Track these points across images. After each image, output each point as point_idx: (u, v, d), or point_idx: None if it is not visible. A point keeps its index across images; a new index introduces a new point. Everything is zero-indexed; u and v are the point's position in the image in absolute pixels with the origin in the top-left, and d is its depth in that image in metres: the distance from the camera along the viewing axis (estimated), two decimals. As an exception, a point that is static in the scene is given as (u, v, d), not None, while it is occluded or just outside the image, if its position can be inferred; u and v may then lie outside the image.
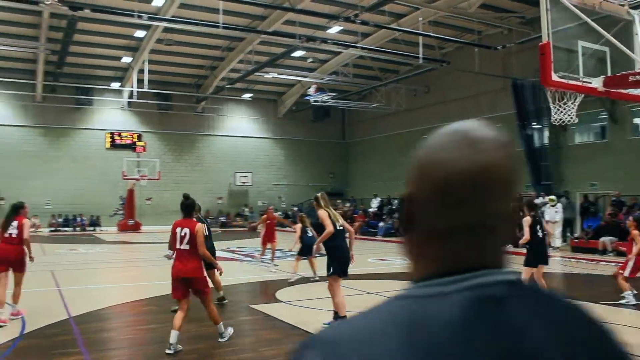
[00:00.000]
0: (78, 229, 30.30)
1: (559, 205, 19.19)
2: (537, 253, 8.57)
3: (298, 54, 27.71)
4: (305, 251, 11.78)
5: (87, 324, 8.03)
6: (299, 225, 12.18)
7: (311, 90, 29.39)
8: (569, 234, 19.91)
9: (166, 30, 24.76)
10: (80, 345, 6.93)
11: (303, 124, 36.60)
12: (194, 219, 6.90)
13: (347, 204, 31.79)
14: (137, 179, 30.24)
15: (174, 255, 6.84)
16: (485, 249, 0.85)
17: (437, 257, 0.86)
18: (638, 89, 6.87)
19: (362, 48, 24.71)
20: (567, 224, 19.86)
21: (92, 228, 30.74)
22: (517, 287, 0.84)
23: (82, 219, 30.81)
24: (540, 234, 8.56)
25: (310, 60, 29.74)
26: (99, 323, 8.26)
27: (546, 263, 8.74)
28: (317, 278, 11.60)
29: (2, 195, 27.64)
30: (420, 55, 23.31)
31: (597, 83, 6.64)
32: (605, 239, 16.74)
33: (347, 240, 7.83)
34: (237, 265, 15.49)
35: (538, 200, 21.33)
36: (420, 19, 22.28)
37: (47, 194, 30.12)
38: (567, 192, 21.23)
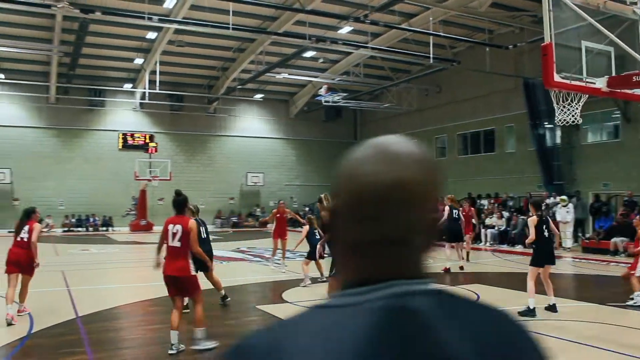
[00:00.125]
0: (91, 229, 30.60)
1: (570, 206, 19.03)
2: (544, 253, 8.52)
3: (309, 54, 27.74)
4: (314, 254, 11.73)
5: (94, 324, 8.12)
6: (306, 227, 12.13)
7: (322, 91, 29.40)
8: (580, 235, 19.72)
9: (177, 31, 24.90)
10: (85, 345, 7.02)
11: (315, 124, 36.62)
12: (187, 216, 6.81)
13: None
14: (149, 180, 30.45)
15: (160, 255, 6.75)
16: (401, 261, 0.87)
17: (356, 268, 0.88)
18: (643, 89, 6.82)
19: (373, 48, 24.66)
20: (579, 224, 19.67)
21: (104, 228, 31.03)
22: (432, 297, 0.85)
23: (94, 220, 31.10)
24: (546, 233, 8.50)
25: (321, 60, 29.77)
26: (106, 323, 8.35)
27: (553, 263, 8.68)
28: (325, 279, 11.60)
29: (16, 195, 28.00)
30: (431, 55, 23.23)
31: (601, 83, 6.60)
32: (617, 240, 16.58)
33: None
34: (246, 266, 15.56)
35: (549, 200, 21.20)
36: (431, 18, 22.20)
37: (60, 195, 30.45)
38: (578, 192, 21.05)
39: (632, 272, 9.25)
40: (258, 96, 34.04)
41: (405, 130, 33.07)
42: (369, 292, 0.83)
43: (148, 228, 29.89)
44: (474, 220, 17.21)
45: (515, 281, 11.45)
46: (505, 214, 21.54)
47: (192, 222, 6.56)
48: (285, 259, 14.19)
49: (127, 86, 31.74)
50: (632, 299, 9.23)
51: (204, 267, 8.03)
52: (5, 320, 7.90)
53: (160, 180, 30.34)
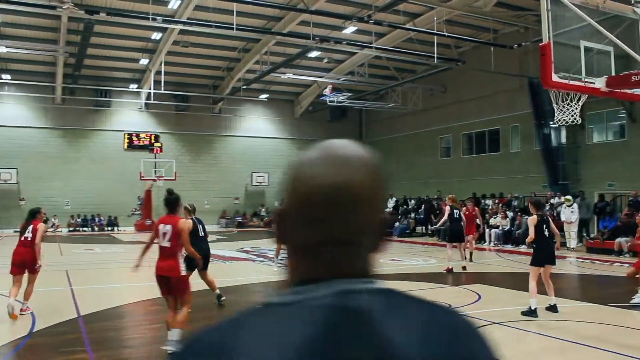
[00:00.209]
0: (96, 229, 30.74)
1: (575, 206, 18.95)
2: (544, 253, 8.49)
3: (314, 54, 27.77)
4: None
5: (95, 323, 8.16)
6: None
7: (327, 91, 29.43)
8: (585, 235, 19.64)
9: (182, 32, 24.97)
10: (86, 344, 7.06)
11: (320, 124, 36.60)
12: (179, 216, 6.71)
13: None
14: (154, 180, 30.55)
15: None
16: (349, 261, 0.88)
17: (305, 269, 0.90)
18: (642, 89, 6.79)
19: (377, 48, 24.66)
20: (583, 224, 19.59)
21: (110, 228, 31.15)
22: (377, 295, 0.87)
23: (100, 219, 31.24)
24: (547, 233, 8.47)
25: (326, 60, 29.78)
26: (107, 322, 8.39)
27: (553, 263, 8.63)
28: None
29: (22, 195, 28.15)
30: (435, 55, 23.20)
31: (600, 83, 6.58)
32: (621, 240, 16.51)
33: None
34: (250, 266, 15.59)
35: (554, 200, 21.14)
36: (435, 18, 22.16)
37: (66, 195, 30.61)
38: (582, 192, 20.96)
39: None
40: (263, 96, 34.08)
41: (410, 130, 33.10)
42: (314, 290, 0.85)
43: (153, 228, 29.92)
44: (478, 221, 17.18)
45: (518, 281, 11.42)
46: (510, 214, 21.48)
47: (182, 222, 6.49)
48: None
49: (133, 86, 31.87)
50: (633, 298, 9.22)
51: (199, 265, 8.06)
52: (7, 308, 8.08)
53: (165, 180, 30.42)
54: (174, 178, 30.61)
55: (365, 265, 0.91)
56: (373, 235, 0.90)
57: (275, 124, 36.54)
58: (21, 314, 8.40)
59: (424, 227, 25.79)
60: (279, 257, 14.43)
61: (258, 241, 23.07)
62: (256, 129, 35.72)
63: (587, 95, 7.04)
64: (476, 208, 16.76)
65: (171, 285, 6.38)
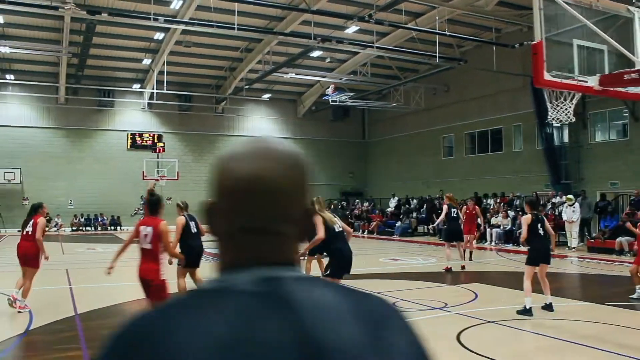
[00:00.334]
0: (99, 228, 30.85)
1: (577, 205, 18.91)
2: (539, 252, 8.49)
3: (316, 54, 27.78)
4: (314, 249, 11.72)
5: (92, 321, 8.21)
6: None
7: (329, 90, 29.45)
8: (586, 234, 19.58)
9: (185, 32, 25.04)
10: (81, 342, 7.10)
11: (323, 123, 36.64)
12: (159, 218, 6.54)
13: (366, 204, 31.79)
14: (157, 180, 30.60)
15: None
16: (268, 249, 0.92)
17: (228, 256, 0.94)
18: (636, 87, 6.78)
19: (379, 48, 24.65)
20: (585, 223, 19.54)
21: (113, 228, 31.25)
22: (295, 282, 0.89)
23: (103, 219, 31.34)
24: (541, 232, 8.47)
25: (328, 60, 29.78)
26: (104, 320, 8.43)
27: (548, 262, 8.62)
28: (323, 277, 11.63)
29: (26, 195, 28.28)
30: (437, 54, 23.18)
31: (592, 82, 6.57)
32: (622, 239, 16.46)
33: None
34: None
35: (556, 200, 21.09)
36: (437, 17, 22.14)
37: (70, 194, 30.75)
38: (584, 192, 20.90)
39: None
40: (266, 96, 34.12)
41: (413, 130, 33.08)
42: (236, 277, 0.89)
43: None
44: (479, 220, 17.16)
45: (517, 281, 11.33)
46: (511, 213, 21.44)
47: (163, 224, 6.35)
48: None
49: (136, 86, 31.98)
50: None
51: (191, 263, 8.05)
52: (7, 300, 8.41)
53: (167, 180, 30.48)
54: (176, 178, 30.68)
55: (288, 254, 0.94)
56: (295, 225, 0.94)
57: (278, 123, 36.58)
58: (19, 312, 8.47)
59: (425, 227, 25.77)
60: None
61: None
62: (259, 128, 35.74)
63: (581, 94, 7.02)
64: (477, 207, 16.74)
65: (150, 290, 6.26)
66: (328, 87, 30.03)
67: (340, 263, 7.61)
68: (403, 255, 17.69)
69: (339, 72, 30.61)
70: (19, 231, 9.29)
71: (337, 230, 7.59)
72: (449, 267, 13.42)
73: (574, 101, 6.93)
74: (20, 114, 30.34)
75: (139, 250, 6.48)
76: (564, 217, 18.98)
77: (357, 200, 33.22)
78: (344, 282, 7.65)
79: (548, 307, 8.54)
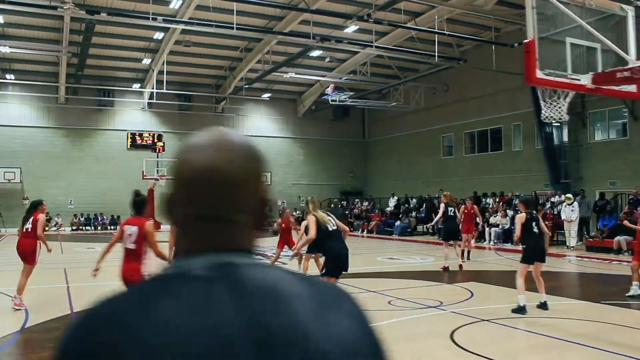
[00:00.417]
0: (99, 228, 30.89)
1: (575, 204, 18.91)
2: (533, 250, 8.50)
3: (316, 53, 27.81)
4: (311, 249, 11.71)
5: (88, 320, 8.22)
6: (304, 223, 12.07)
7: (329, 90, 29.48)
8: (585, 233, 19.58)
9: (184, 31, 25.05)
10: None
11: (323, 123, 36.65)
12: (144, 218, 6.52)
13: (365, 203, 31.81)
14: (157, 179, 30.66)
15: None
16: (220, 236, 0.95)
17: (184, 242, 0.97)
18: (629, 86, 6.79)
19: (378, 47, 24.65)
20: (583, 222, 19.53)
21: (112, 227, 31.24)
22: (247, 269, 0.92)
23: (102, 219, 31.39)
24: (536, 230, 8.48)
25: (328, 59, 29.80)
26: (99, 319, 8.45)
27: (542, 261, 8.63)
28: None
29: (26, 195, 28.31)
30: (436, 54, 23.18)
31: (585, 80, 6.58)
32: (620, 238, 16.45)
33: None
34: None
35: (554, 199, 21.10)
36: (437, 17, 22.15)
37: (70, 194, 30.80)
38: (583, 191, 20.90)
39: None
40: (266, 95, 34.15)
41: (413, 129, 33.09)
42: (191, 262, 0.92)
43: (156, 227, 29.84)
44: (478, 219, 17.13)
45: (513, 279, 11.24)
46: (510, 212, 21.43)
47: (149, 225, 6.33)
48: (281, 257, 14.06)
49: (136, 86, 32.01)
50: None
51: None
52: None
53: (167, 179, 30.50)
54: (175, 177, 30.65)
55: (243, 241, 0.97)
56: (250, 214, 0.97)
57: (278, 123, 36.59)
58: (14, 309, 8.52)
59: (425, 226, 25.78)
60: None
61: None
62: (259, 128, 35.76)
63: (574, 93, 7.04)
64: (475, 207, 16.74)
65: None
66: (328, 87, 30.04)
67: (335, 262, 7.59)
68: (401, 254, 17.70)
69: (338, 72, 30.62)
70: (18, 230, 9.42)
71: (330, 229, 7.59)
72: (446, 266, 13.43)
73: (568, 99, 6.94)
74: (20, 113, 30.40)
75: (122, 250, 6.45)
76: (563, 216, 18.98)
77: (356, 200, 33.24)
78: (340, 281, 7.67)
79: (543, 306, 8.55)
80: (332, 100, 29.79)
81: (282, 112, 36.57)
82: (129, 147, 32.50)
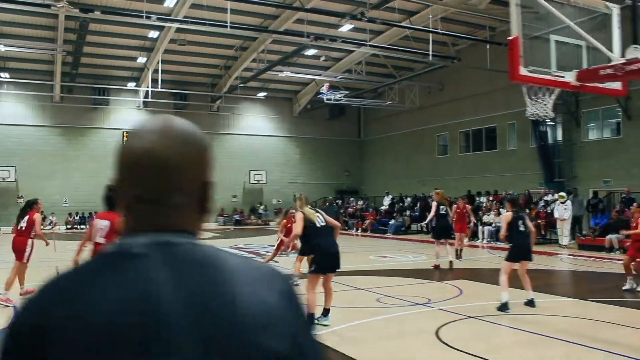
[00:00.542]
0: (94, 226, 30.82)
1: (568, 203, 18.95)
2: (520, 249, 8.53)
3: (311, 52, 27.82)
4: (305, 251, 11.60)
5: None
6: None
7: (324, 89, 29.47)
8: (577, 232, 19.63)
9: (179, 30, 25.04)
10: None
11: (318, 122, 36.67)
12: (117, 212, 6.45)
13: (360, 202, 31.84)
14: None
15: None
16: (159, 217, 1.01)
17: (127, 223, 1.04)
18: (613, 83, 6.82)
19: (372, 46, 24.67)
20: (576, 221, 19.58)
21: (108, 226, 31.23)
22: (179, 247, 0.98)
23: (98, 217, 31.34)
24: (522, 229, 8.51)
25: (323, 58, 29.81)
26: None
27: (529, 259, 8.66)
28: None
29: (20, 193, 28.28)
30: (430, 53, 23.20)
31: (570, 77, 6.60)
32: (612, 237, 16.50)
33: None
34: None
35: (548, 197, 21.15)
36: (431, 16, 22.17)
37: (65, 193, 30.77)
38: (575, 189, 20.95)
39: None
40: (261, 94, 34.15)
41: (408, 128, 33.12)
42: (131, 241, 0.98)
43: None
44: (471, 218, 17.16)
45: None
46: (503, 211, 21.45)
47: (120, 220, 6.35)
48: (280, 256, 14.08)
49: (131, 85, 31.97)
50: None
51: None
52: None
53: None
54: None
55: (183, 222, 1.02)
56: (190, 197, 1.02)
57: (274, 122, 36.59)
58: (6, 305, 8.54)
59: (419, 225, 25.82)
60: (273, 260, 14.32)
61: (253, 239, 23.13)
62: (254, 127, 35.78)
63: (559, 90, 7.06)
64: (467, 205, 16.76)
65: None
66: (323, 86, 30.05)
67: (323, 258, 7.48)
68: (394, 252, 17.73)
69: (334, 71, 30.64)
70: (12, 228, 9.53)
71: (318, 225, 7.51)
72: (437, 264, 13.45)
73: (553, 97, 6.96)
74: (15, 112, 30.35)
75: (91, 244, 6.47)
76: (556, 215, 19.03)
77: (351, 199, 33.26)
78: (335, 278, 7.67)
79: (530, 303, 8.58)
80: (327, 99, 29.81)
81: (278, 111, 36.58)
82: (124, 145, 32.44)
